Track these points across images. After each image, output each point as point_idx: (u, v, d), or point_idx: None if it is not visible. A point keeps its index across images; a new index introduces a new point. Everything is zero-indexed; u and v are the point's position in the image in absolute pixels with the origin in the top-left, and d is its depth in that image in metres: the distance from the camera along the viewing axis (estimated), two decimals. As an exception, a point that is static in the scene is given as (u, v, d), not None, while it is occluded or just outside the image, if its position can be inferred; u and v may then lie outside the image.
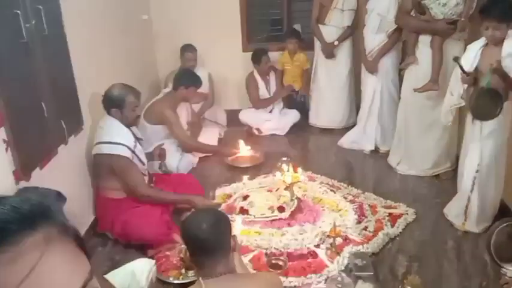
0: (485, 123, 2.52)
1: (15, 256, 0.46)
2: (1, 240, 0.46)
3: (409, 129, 3.42)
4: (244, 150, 3.76)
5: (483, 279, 2.34)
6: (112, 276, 2.08)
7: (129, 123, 2.69)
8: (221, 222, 1.51)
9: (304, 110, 4.53)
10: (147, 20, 4.43)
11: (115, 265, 2.36)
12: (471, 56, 2.56)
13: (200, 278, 1.47)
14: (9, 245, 0.46)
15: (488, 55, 2.49)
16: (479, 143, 2.56)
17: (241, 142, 3.79)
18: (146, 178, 2.79)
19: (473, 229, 2.72)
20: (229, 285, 1.47)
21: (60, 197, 0.78)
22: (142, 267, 2.14)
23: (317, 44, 4.28)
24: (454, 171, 3.37)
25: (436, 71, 3.07)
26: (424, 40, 3.13)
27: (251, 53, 4.56)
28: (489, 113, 2.41)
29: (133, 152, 2.60)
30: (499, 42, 2.43)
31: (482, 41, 2.55)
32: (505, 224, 1.61)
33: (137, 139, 2.80)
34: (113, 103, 2.63)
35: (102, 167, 2.65)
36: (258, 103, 4.44)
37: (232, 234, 1.56)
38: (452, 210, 2.83)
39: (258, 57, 4.32)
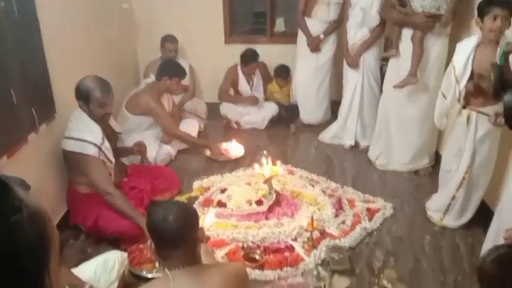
0: (479, 127, 2.49)
1: None
2: None
3: (389, 124, 3.42)
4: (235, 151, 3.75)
5: (458, 273, 2.36)
6: (82, 269, 2.03)
7: (97, 119, 2.57)
8: (188, 215, 1.47)
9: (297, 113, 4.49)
10: (127, 8, 4.33)
11: (87, 258, 2.30)
12: (464, 56, 2.45)
13: (166, 270, 1.44)
14: None
15: (484, 56, 2.38)
16: (472, 145, 2.54)
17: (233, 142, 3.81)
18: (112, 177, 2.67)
19: (450, 224, 2.74)
20: (195, 276, 1.44)
21: (23, 184, 0.74)
22: (113, 260, 2.10)
23: (299, 38, 4.24)
24: (432, 168, 3.40)
25: (415, 65, 3.06)
26: (407, 34, 3.12)
27: (233, 45, 4.52)
28: None
29: (100, 149, 2.49)
30: (496, 40, 2.33)
31: (474, 40, 2.45)
32: (496, 253, 1.58)
33: (113, 134, 2.73)
34: (79, 95, 2.53)
35: (70, 162, 2.57)
36: (224, 96, 4.42)
37: (200, 226, 1.52)
38: (434, 205, 2.84)
39: (246, 61, 4.30)
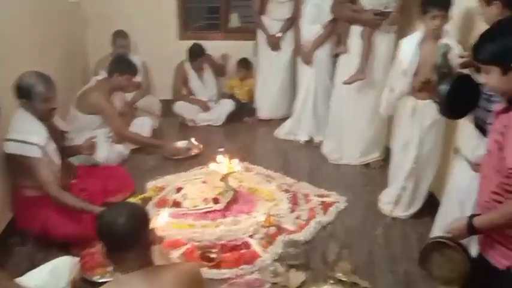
0: (425, 117, 2.59)
1: None
2: None
3: (341, 119, 3.49)
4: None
5: (409, 263, 2.43)
6: (30, 277, 1.96)
7: (42, 116, 2.45)
8: (138, 216, 1.45)
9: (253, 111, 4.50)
10: (75, 2, 4.17)
11: (36, 265, 2.20)
12: (410, 51, 2.55)
13: (117, 273, 1.41)
14: None
15: (427, 50, 2.50)
16: (418, 136, 2.63)
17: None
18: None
19: (401, 215, 2.83)
20: (147, 278, 1.41)
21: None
22: (63, 266, 2.03)
23: (260, 35, 4.26)
24: (383, 161, 3.51)
25: (364, 61, 3.15)
26: (356, 30, 3.20)
27: (188, 41, 4.45)
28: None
29: (44, 151, 2.39)
30: (438, 36, 2.46)
31: (418, 36, 2.56)
32: (437, 240, 1.65)
33: (59, 133, 2.62)
34: (21, 93, 2.40)
35: (14, 165, 2.44)
36: (179, 96, 4.38)
37: (152, 227, 1.50)
38: (385, 198, 2.93)
39: (194, 56, 4.26)
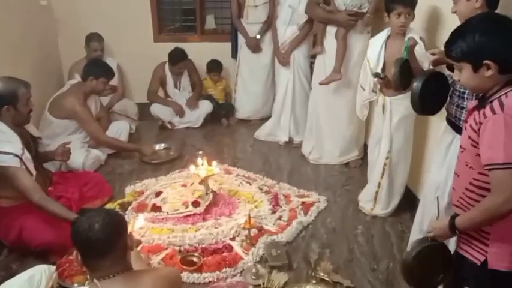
0: (394, 113, 2.64)
1: None
2: None
3: (319, 119, 3.52)
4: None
5: (390, 260, 2.46)
6: (6, 287, 1.89)
7: (23, 120, 2.40)
8: (114, 222, 1.42)
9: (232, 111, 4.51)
10: (46, 6, 4.08)
11: (11, 275, 2.14)
12: (376, 49, 2.62)
13: (95, 280, 1.38)
14: None
15: (393, 48, 2.57)
16: (389, 132, 2.68)
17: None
18: None
19: (380, 213, 2.86)
20: (125, 284, 1.40)
21: None
22: (40, 275, 1.97)
23: (240, 37, 4.26)
24: (362, 159, 3.55)
25: (339, 61, 3.18)
26: (331, 31, 3.23)
27: (163, 43, 4.41)
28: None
29: (21, 159, 2.30)
30: (404, 33, 2.52)
31: (384, 34, 2.63)
32: (417, 249, 1.64)
33: (32, 140, 2.55)
34: (4, 100, 2.32)
35: None
36: (153, 97, 4.33)
37: (129, 232, 1.48)
38: (364, 196, 2.96)
39: (174, 60, 4.22)
